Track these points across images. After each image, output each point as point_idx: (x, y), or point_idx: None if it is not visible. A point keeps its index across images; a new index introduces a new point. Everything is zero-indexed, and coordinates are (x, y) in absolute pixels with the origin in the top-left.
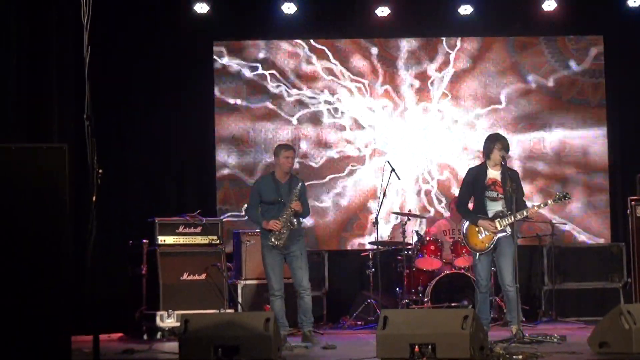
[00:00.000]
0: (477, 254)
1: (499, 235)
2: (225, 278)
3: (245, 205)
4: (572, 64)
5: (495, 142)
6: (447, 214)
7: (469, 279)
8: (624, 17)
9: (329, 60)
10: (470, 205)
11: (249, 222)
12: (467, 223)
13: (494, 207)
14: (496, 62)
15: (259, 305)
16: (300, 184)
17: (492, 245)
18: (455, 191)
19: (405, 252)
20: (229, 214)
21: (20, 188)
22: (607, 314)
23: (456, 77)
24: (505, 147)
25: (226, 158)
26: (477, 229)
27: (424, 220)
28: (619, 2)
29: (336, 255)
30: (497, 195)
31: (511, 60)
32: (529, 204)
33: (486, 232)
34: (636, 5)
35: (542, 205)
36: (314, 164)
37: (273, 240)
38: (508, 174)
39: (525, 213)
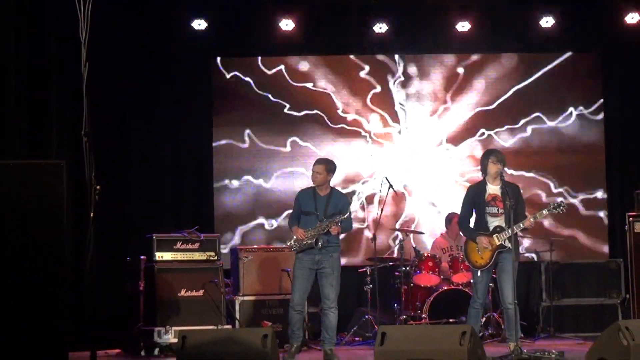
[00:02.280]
0: (479, 270)
1: (499, 250)
2: (222, 294)
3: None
4: (569, 79)
5: (489, 156)
6: (443, 230)
7: (467, 295)
8: (621, 34)
9: (325, 76)
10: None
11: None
12: (466, 240)
13: (495, 223)
14: (495, 79)
15: (257, 322)
16: (344, 207)
17: (491, 262)
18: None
19: (403, 268)
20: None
21: (18, 204)
22: (605, 330)
23: (454, 93)
24: (500, 159)
25: (224, 173)
26: (475, 245)
27: (420, 236)
28: (616, 19)
29: None
30: (498, 210)
31: (510, 77)
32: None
33: (485, 248)
34: (634, 22)
35: (537, 216)
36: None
37: (292, 242)
38: (508, 188)
39: (522, 225)
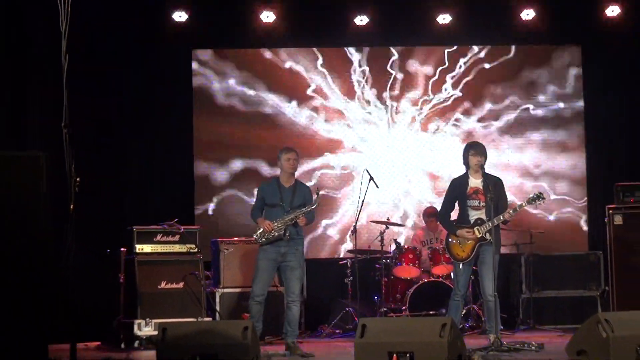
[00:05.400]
0: (460, 263)
1: (480, 243)
2: (203, 286)
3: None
4: (549, 71)
5: (469, 149)
6: (422, 224)
7: (447, 287)
8: (602, 27)
9: (306, 67)
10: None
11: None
12: (447, 234)
13: (477, 216)
14: (475, 71)
15: (237, 314)
16: (314, 197)
17: (473, 254)
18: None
19: (384, 261)
20: None
21: None
22: (584, 322)
23: (433, 85)
24: (480, 152)
25: (205, 165)
26: (457, 239)
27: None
28: (597, 11)
29: (314, 263)
30: (480, 203)
31: (490, 69)
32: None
33: (466, 241)
34: (614, 14)
35: (517, 208)
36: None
37: (258, 234)
38: (492, 180)
39: (502, 218)
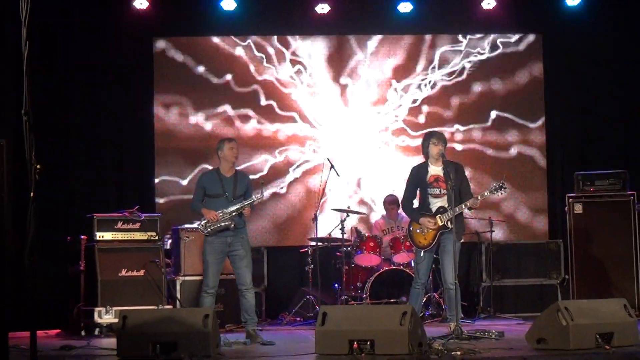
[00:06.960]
0: (422, 251)
1: (442, 231)
2: (163, 274)
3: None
4: (510, 59)
5: (430, 138)
6: (383, 212)
7: (408, 275)
8: (562, 16)
9: (269, 56)
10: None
11: (193, 214)
12: (410, 221)
13: (438, 204)
14: (436, 60)
15: (198, 302)
16: (260, 192)
17: (435, 242)
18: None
19: (345, 249)
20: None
21: None
22: (544, 310)
23: (395, 74)
24: (441, 139)
25: (166, 153)
26: (419, 226)
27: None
28: (558, 0)
29: (275, 251)
30: (441, 191)
31: (452, 56)
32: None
33: (428, 229)
34: (574, 4)
35: (479, 197)
36: (255, 161)
37: (203, 224)
38: (452, 167)
39: (464, 206)
